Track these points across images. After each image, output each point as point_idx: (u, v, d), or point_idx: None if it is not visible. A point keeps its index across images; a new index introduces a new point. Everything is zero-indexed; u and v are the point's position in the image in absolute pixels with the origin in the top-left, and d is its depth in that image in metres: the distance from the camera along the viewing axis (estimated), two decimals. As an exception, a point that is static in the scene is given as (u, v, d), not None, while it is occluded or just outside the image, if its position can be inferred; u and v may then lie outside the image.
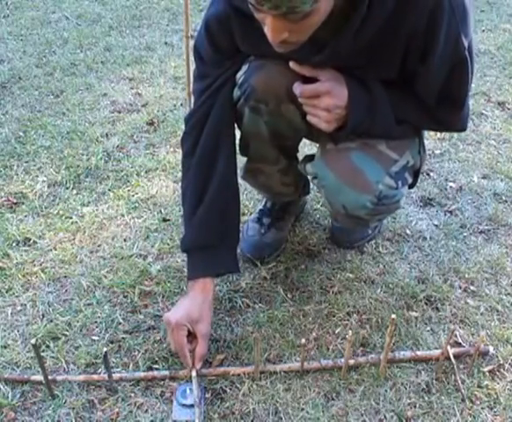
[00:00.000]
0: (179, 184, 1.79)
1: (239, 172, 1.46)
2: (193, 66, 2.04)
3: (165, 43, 2.91)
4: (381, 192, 1.17)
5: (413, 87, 1.12)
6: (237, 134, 1.30)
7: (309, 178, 1.32)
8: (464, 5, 1.00)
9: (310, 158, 1.29)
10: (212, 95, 1.21)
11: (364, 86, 1.10)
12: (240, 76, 1.20)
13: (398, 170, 1.19)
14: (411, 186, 1.30)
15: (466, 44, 1.03)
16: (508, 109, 2.32)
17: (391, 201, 1.21)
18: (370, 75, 1.10)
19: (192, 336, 1.17)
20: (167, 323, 1.17)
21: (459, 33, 1.01)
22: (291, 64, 1.08)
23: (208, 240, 1.23)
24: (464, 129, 1.23)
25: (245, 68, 1.19)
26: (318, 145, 1.29)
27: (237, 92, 1.21)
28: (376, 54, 1.05)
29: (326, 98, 1.09)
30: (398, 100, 1.13)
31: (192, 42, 2.02)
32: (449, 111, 1.16)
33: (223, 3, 1.12)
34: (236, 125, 1.28)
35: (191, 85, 2.07)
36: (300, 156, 1.39)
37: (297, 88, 1.11)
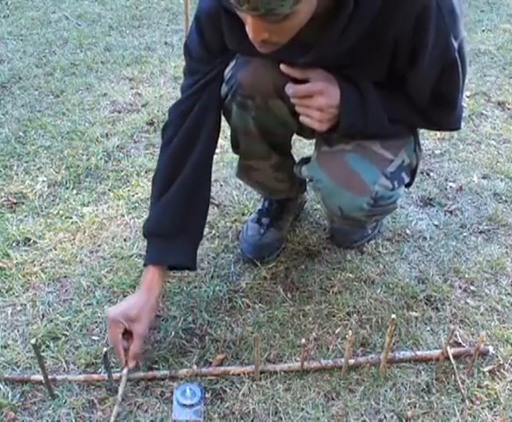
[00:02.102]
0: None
1: (234, 171, 1.47)
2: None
3: (165, 43, 2.91)
4: (377, 193, 1.17)
5: (404, 89, 1.12)
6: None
7: (306, 180, 1.32)
8: (452, 6, 1.00)
9: (305, 161, 1.29)
10: (198, 90, 1.21)
11: (356, 86, 1.10)
12: (228, 72, 1.20)
13: (393, 171, 1.19)
14: (408, 185, 1.30)
15: (456, 46, 1.03)
16: (508, 109, 2.32)
17: (387, 202, 1.21)
18: (359, 76, 1.10)
19: (128, 334, 1.16)
20: (106, 318, 1.16)
21: (449, 35, 1.01)
22: (282, 67, 1.08)
23: (167, 229, 1.21)
24: (457, 128, 1.23)
25: (232, 64, 1.20)
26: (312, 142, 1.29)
27: (224, 88, 1.21)
28: (363, 55, 1.05)
29: (319, 98, 1.09)
30: (389, 100, 1.12)
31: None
32: (441, 112, 1.16)
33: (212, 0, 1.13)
34: (226, 121, 1.28)
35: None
36: (298, 156, 1.39)
37: (290, 88, 1.11)
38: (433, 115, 1.16)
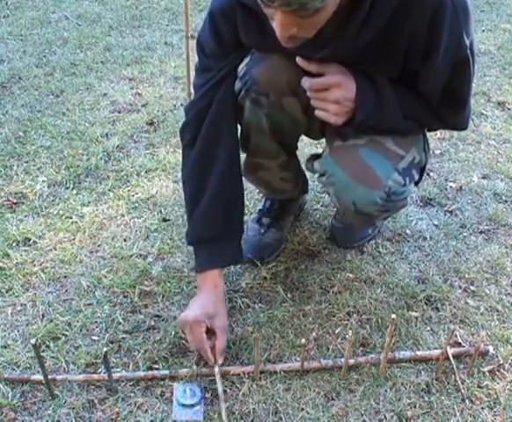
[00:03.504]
0: (180, 184, 1.80)
1: None
2: (193, 67, 2.04)
3: (165, 43, 2.91)
4: (390, 189, 1.17)
5: (416, 85, 1.13)
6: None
7: (316, 175, 1.32)
8: (465, 5, 1.02)
9: (316, 157, 1.29)
10: (214, 87, 1.21)
11: (371, 80, 1.11)
12: (242, 67, 1.20)
13: (405, 167, 1.20)
14: (416, 183, 1.31)
15: (468, 43, 1.05)
16: (508, 109, 2.32)
17: (399, 198, 1.21)
18: (374, 72, 1.11)
19: (209, 333, 1.18)
20: (184, 323, 1.17)
21: (462, 33, 1.03)
22: (298, 61, 1.09)
23: (213, 232, 1.24)
24: (465, 128, 1.25)
25: (246, 60, 1.20)
26: (319, 143, 1.29)
27: (238, 84, 1.21)
28: (379, 51, 1.05)
29: (336, 90, 1.09)
30: (403, 96, 1.13)
31: (192, 42, 2.03)
32: (452, 109, 1.17)
33: None
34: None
35: (191, 85, 2.07)
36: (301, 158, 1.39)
37: (306, 82, 1.11)
38: (443, 113, 1.17)
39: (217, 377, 1.14)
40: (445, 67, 1.07)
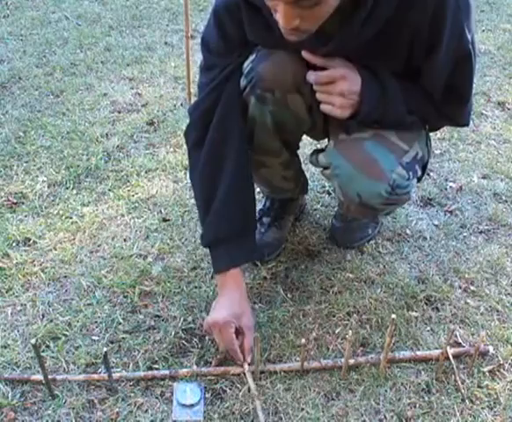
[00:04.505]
0: (179, 184, 1.80)
1: None
2: (193, 66, 2.05)
3: (165, 43, 2.91)
4: (394, 181, 1.18)
5: (419, 80, 1.14)
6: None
7: (319, 170, 1.32)
8: (467, 0, 1.03)
9: (320, 151, 1.29)
10: (218, 85, 1.21)
11: (375, 74, 1.11)
12: (247, 64, 1.20)
13: (409, 161, 1.20)
14: (419, 179, 1.31)
15: (470, 38, 1.05)
16: (508, 109, 2.32)
17: (403, 191, 1.22)
18: (378, 67, 1.11)
19: (236, 332, 1.18)
20: (213, 325, 1.17)
21: (463, 27, 1.03)
22: (303, 53, 1.09)
23: (228, 232, 1.23)
24: (467, 124, 1.25)
25: (252, 57, 1.19)
26: (319, 143, 1.29)
27: (243, 81, 1.20)
28: (383, 46, 1.06)
29: (341, 83, 1.10)
30: (407, 90, 1.14)
31: (192, 42, 2.03)
32: (454, 105, 1.18)
33: None
34: None
35: (191, 85, 2.08)
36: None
37: (311, 75, 1.11)
38: (445, 108, 1.18)
39: (248, 375, 1.15)
40: (447, 62, 1.08)
